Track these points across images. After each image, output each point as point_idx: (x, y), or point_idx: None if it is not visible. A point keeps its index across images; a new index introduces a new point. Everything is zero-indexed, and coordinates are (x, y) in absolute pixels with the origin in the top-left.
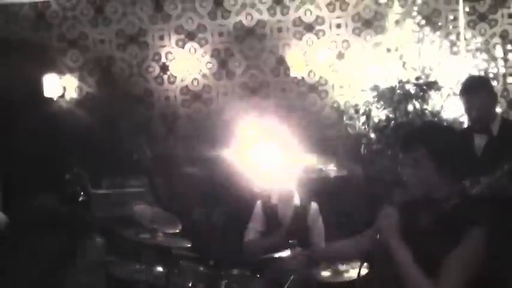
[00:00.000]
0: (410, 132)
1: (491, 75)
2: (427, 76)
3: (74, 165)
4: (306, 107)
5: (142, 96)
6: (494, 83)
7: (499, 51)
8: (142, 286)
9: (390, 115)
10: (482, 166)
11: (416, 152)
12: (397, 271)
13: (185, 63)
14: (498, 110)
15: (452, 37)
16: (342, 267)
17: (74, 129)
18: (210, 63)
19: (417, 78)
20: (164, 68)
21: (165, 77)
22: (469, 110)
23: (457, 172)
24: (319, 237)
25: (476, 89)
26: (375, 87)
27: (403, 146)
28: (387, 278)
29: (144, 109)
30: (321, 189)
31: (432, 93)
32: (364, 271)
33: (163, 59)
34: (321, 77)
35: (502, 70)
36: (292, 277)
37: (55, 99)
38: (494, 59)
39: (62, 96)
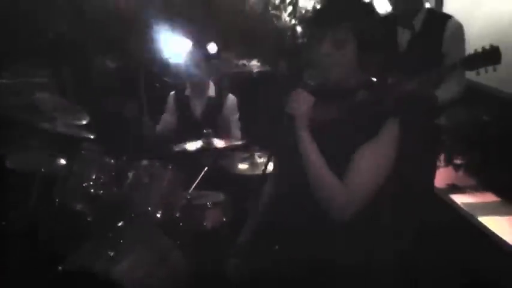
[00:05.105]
0: (333, 3)
1: None
2: None
3: None
4: None
5: None
6: None
7: None
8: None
9: (318, 6)
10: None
11: (340, 28)
12: (304, 168)
13: None
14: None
15: None
16: (259, 160)
17: None
18: None
19: None
20: None
21: None
22: None
23: (377, 60)
24: (236, 128)
25: None
26: None
27: (323, 20)
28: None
29: None
30: (242, 84)
31: None
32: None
33: None
34: None
35: None
36: (206, 168)
37: None
38: None
39: None
